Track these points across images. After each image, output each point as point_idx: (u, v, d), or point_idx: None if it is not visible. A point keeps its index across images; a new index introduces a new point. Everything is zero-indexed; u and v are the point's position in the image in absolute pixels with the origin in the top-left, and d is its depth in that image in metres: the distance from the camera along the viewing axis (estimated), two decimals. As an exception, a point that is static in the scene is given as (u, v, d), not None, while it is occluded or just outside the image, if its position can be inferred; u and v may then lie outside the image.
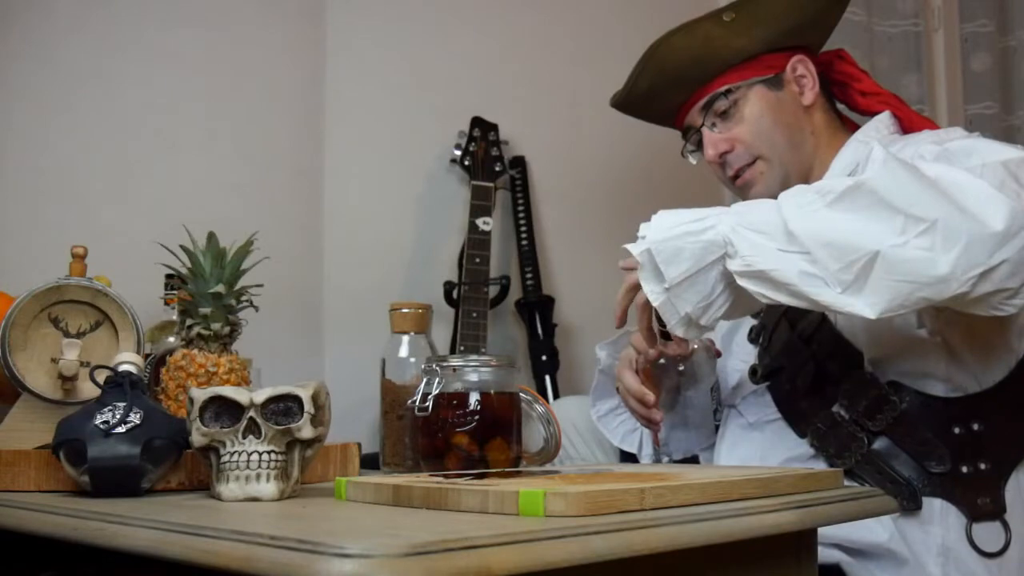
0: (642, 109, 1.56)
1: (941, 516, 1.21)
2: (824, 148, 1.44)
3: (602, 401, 1.57)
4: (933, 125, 1.43)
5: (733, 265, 1.06)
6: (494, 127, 2.12)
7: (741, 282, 1.06)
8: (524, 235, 2.16)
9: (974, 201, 0.99)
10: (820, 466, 1.25)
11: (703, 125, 1.46)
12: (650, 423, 1.36)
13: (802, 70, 1.45)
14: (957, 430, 1.22)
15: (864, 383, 1.25)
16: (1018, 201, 1.00)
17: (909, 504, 1.20)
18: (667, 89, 1.48)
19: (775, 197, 1.35)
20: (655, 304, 1.10)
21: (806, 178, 1.42)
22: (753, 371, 1.40)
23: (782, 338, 1.37)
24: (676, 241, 1.08)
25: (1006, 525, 1.21)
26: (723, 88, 1.44)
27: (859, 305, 1.01)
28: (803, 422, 1.30)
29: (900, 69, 2.48)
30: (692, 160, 1.54)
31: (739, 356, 1.47)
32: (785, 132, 1.43)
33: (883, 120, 1.42)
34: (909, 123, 1.42)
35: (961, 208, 0.99)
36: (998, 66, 2.45)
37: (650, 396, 1.33)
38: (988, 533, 1.21)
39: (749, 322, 1.46)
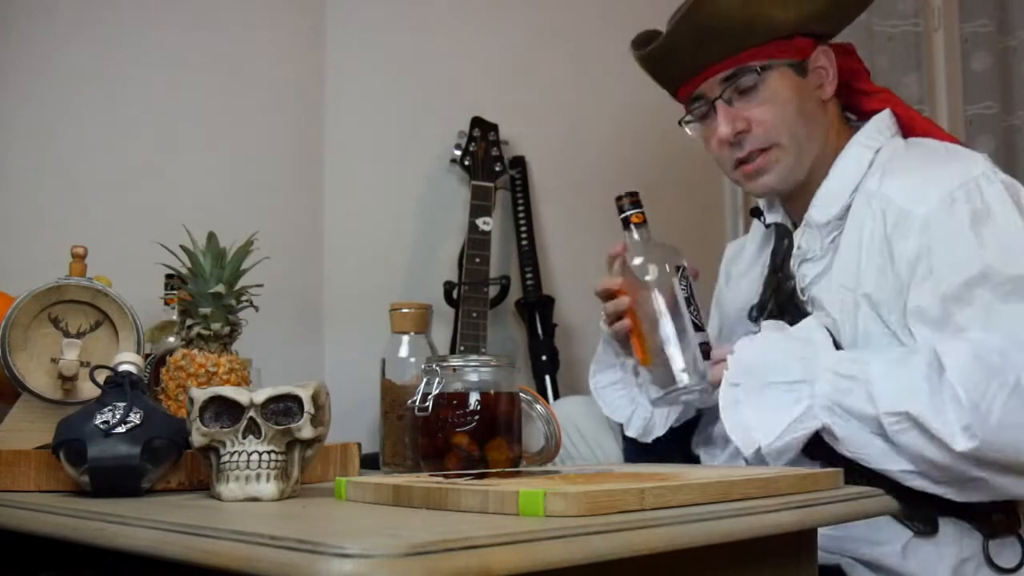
0: (659, 65, 1.42)
1: (956, 536, 1.20)
2: (831, 147, 1.37)
3: (603, 373, 1.55)
4: (931, 125, 1.41)
5: (830, 439, 1.17)
6: (494, 127, 2.12)
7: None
8: (524, 235, 2.16)
9: None
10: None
11: (719, 97, 1.35)
12: (619, 322, 1.38)
13: (824, 62, 1.37)
14: None
15: None
16: None
17: (925, 528, 1.19)
18: (695, 48, 1.35)
19: (784, 190, 1.39)
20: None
21: (812, 176, 1.36)
22: None
23: None
24: (785, 438, 1.17)
25: (1022, 540, 1.20)
26: (756, 64, 1.33)
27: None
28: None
29: (900, 69, 2.48)
30: (690, 132, 1.43)
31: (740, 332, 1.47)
32: (807, 122, 1.35)
33: (884, 120, 1.36)
34: (909, 122, 1.39)
35: None
36: (998, 66, 2.45)
37: (617, 280, 1.38)
38: (1004, 549, 1.20)
39: (749, 299, 1.47)
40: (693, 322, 1.33)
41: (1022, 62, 2.41)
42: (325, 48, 2.06)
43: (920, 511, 1.18)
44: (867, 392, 1.13)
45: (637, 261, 1.37)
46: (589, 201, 2.30)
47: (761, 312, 1.43)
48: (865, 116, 1.40)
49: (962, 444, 1.06)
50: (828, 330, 1.26)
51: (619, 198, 1.41)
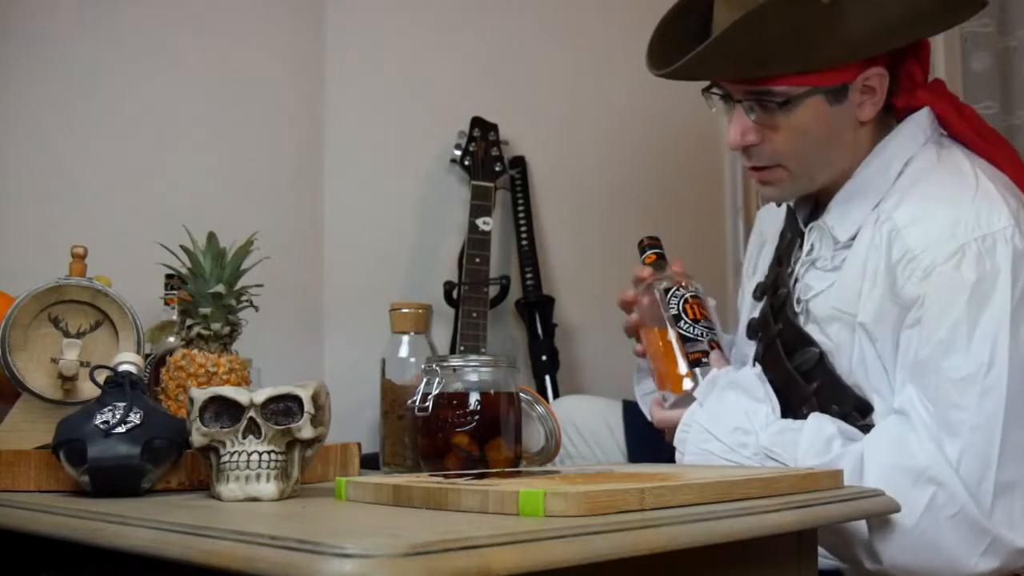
0: (679, 75, 1.31)
1: None
2: (862, 156, 1.29)
3: (643, 381, 1.55)
4: (968, 128, 1.31)
5: None
6: (494, 127, 2.12)
7: None
8: (524, 235, 2.16)
9: None
10: None
11: (740, 101, 1.27)
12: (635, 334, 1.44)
13: (874, 83, 1.25)
14: None
15: (868, 431, 1.22)
16: None
17: None
18: (723, 66, 1.26)
19: (787, 200, 1.39)
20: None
21: (830, 183, 1.31)
22: None
23: (778, 363, 1.33)
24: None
25: None
26: (782, 90, 1.23)
27: None
28: None
29: (900, 69, 2.48)
30: (711, 107, 1.34)
31: (742, 350, 1.46)
32: (823, 150, 1.28)
33: (920, 123, 1.28)
34: (948, 124, 1.30)
35: None
36: (998, 66, 2.45)
37: (629, 292, 1.45)
38: None
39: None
40: (686, 334, 1.37)
41: (1022, 62, 2.41)
42: (325, 48, 2.06)
43: None
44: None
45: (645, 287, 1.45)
46: (589, 201, 2.30)
47: (763, 294, 1.42)
48: (901, 113, 1.30)
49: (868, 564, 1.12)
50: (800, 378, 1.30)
51: (641, 241, 1.49)
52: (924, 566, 1.10)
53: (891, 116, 1.31)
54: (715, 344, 1.37)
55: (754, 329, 1.42)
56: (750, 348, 1.43)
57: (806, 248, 1.33)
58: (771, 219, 1.52)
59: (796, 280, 1.34)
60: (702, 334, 1.37)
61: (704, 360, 1.35)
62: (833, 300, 1.27)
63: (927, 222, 1.19)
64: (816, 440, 1.19)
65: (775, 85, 1.23)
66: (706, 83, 1.33)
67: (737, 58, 1.22)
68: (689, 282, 1.42)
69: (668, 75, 1.30)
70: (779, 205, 1.45)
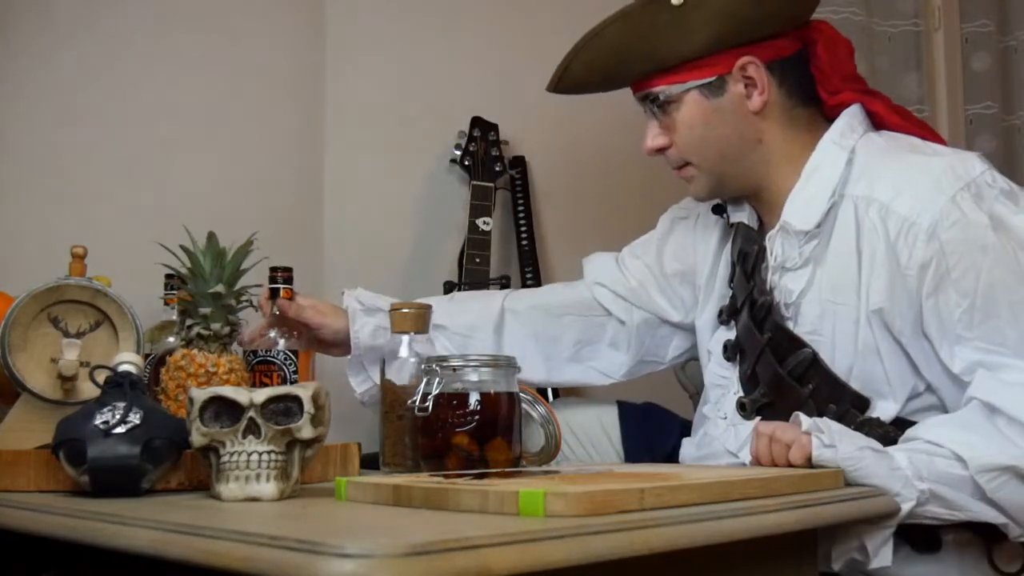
0: (580, 90, 1.45)
1: (956, 547, 1.18)
2: (784, 153, 1.32)
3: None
4: (907, 121, 1.34)
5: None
6: (494, 127, 2.12)
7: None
8: (524, 235, 2.16)
9: None
10: None
11: (645, 110, 1.36)
12: None
13: (751, 72, 1.29)
14: None
15: (870, 425, 1.21)
16: None
17: (925, 547, 1.17)
18: (600, 81, 1.38)
19: (711, 197, 1.39)
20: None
21: (757, 185, 1.34)
22: (741, 406, 1.35)
23: (769, 371, 1.31)
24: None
25: None
26: (656, 90, 1.32)
27: None
28: None
29: (900, 69, 2.48)
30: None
31: (716, 372, 1.44)
32: (719, 143, 1.32)
33: (855, 116, 1.31)
34: (882, 119, 1.33)
35: None
36: (998, 66, 2.45)
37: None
38: (1007, 554, 1.19)
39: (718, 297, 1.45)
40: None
41: (1022, 62, 2.42)
42: (325, 48, 2.06)
43: (919, 531, 1.15)
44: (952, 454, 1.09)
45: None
46: (589, 201, 2.30)
47: (732, 316, 1.40)
48: (834, 111, 1.33)
49: None
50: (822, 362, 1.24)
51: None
52: None
53: (821, 115, 1.34)
54: None
55: (734, 350, 1.39)
56: (730, 371, 1.40)
57: (774, 255, 1.31)
58: (698, 242, 1.52)
59: (772, 288, 1.32)
60: None
61: None
62: (826, 293, 1.26)
63: (910, 189, 1.21)
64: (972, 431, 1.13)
65: (652, 87, 1.32)
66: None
67: (604, 66, 1.34)
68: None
69: (556, 90, 1.43)
70: (737, 203, 1.42)
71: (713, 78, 1.30)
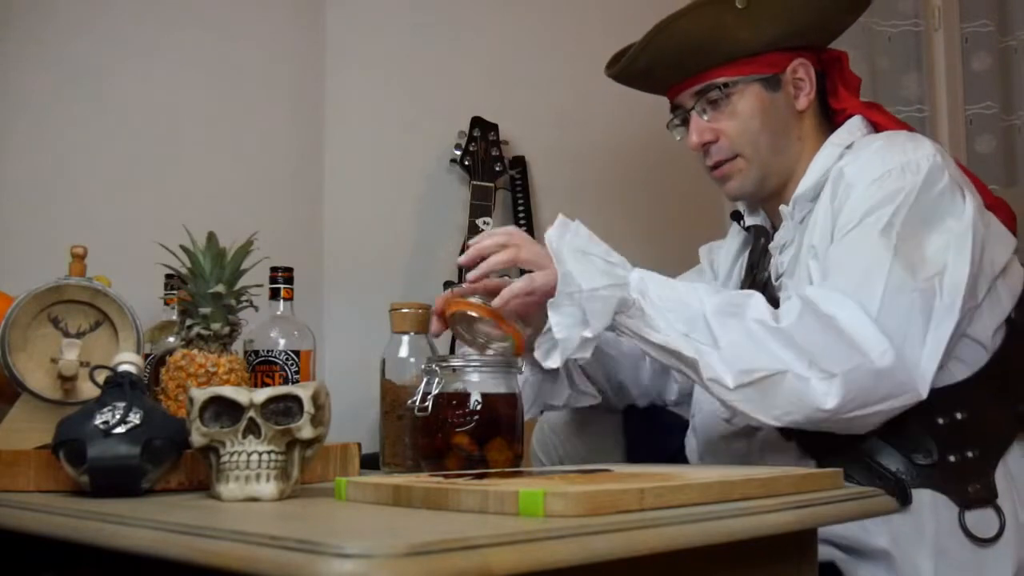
0: (636, 81, 1.54)
1: (932, 507, 1.21)
2: (808, 152, 1.43)
3: None
4: (903, 128, 1.42)
5: (635, 326, 1.20)
6: (494, 127, 2.12)
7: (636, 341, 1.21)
8: (524, 235, 2.16)
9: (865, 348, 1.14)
10: (810, 467, 1.24)
11: (693, 108, 1.44)
12: None
13: (802, 74, 1.43)
14: (941, 420, 1.23)
15: None
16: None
17: (898, 501, 1.19)
18: (666, 70, 1.46)
19: (752, 194, 1.46)
20: (562, 340, 1.18)
21: (786, 181, 1.43)
22: None
23: None
24: (602, 292, 1.19)
25: (999, 510, 1.21)
26: (720, 80, 1.41)
27: (752, 409, 1.16)
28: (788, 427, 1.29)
29: (900, 69, 2.48)
30: (676, 136, 1.52)
31: None
32: (771, 136, 1.42)
33: (855, 123, 1.42)
34: (880, 128, 1.42)
35: (859, 363, 1.14)
36: (998, 66, 2.45)
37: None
38: (981, 520, 1.20)
39: None
40: None
41: (1022, 62, 2.41)
42: (325, 48, 2.06)
43: (892, 485, 1.19)
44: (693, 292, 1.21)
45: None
46: (589, 201, 2.30)
47: None
48: (839, 118, 1.45)
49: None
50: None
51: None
52: None
53: (830, 121, 1.46)
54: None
55: None
56: None
57: (779, 241, 1.41)
58: (720, 253, 1.61)
59: (770, 268, 1.42)
60: None
61: None
62: (801, 254, 1.35)
63: (863, 160, 1.32)
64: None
65: (716, 77, 1.41)
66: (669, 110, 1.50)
67: (669, 59, 1.42)
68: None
69: (616, 77, 1.52)
70: (752, 210, 1.53)
71: (771, 74, 1.41)
